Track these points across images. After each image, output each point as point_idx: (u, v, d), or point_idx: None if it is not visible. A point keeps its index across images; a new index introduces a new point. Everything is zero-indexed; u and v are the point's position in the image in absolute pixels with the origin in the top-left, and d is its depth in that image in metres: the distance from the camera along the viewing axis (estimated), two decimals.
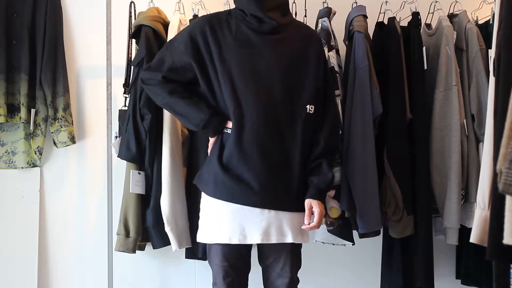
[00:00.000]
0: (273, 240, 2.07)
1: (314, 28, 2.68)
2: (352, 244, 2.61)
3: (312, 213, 2.09)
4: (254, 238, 2.06)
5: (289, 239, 2.08)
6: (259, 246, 2.17)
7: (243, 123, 2.05)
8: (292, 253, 2.15)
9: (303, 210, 2.10)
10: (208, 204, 2.13)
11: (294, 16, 2.79)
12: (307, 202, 2.09)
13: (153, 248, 2.73)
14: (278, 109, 2.07)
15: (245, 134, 2.05)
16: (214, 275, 2.17)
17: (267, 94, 2.06)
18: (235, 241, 2.07)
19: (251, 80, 2.07)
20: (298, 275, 2.20)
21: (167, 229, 2.56)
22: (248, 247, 2.15)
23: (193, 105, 2.13)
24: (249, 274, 2.23)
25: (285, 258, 2.14)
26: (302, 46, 2.16)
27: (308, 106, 2.11)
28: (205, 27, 2.13)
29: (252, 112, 2.05)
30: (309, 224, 2.07)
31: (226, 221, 2.07)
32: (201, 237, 2.17)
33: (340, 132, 2.52)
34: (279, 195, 2.07)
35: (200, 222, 2.19)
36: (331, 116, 2.19)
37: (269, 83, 2.07)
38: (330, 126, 2.18)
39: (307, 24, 2.81)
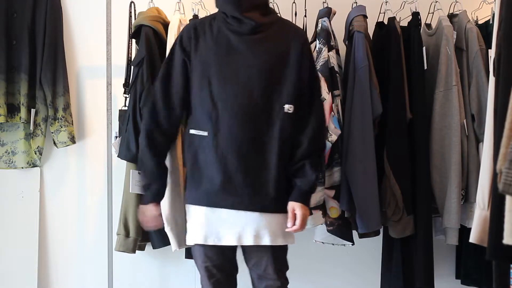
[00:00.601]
0: (248, 242, 2.05)
1: (314, 28, 2.68)
2: (352, 244, 2.61)
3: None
4: (228, 239, 2.06)
5: (265, 241, 2.05)
6: (242, 247, 2.15)
7: (219, 126, 2.05)
8: (274, 256, 2.11)
9: (282, 211, 2.07)
10: (189, 209, 2.15)
11: (294, 16, 2.80)
12: (290, 205, 2.07)
13: (153, 248, 2.73)
14: (256, 110, 2.05)
15: (221, 137, 2.05)
16: (200, 277, 2.18)
17: (244, 96, 2.05)
18: (210, 242, 2.07)
19: (229, 82, 2.07)
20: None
21: (167, 229, 2.55)
22: (233, 248, 2.14)
23: (155, 171, 2.15)
24: (244, 275, 2.22)
25: (266, 260, 2.11)
26: (284, 45, 2.12)
27: (286, 106, 2.07)
28: (190, 32, 2.16)
29: (229, 114, 2.04)
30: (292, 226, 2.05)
31: (203, 223, 2.09)
32: (187, 241, 2.20)
33: (340, 132, 2.52)
34: (255, 196, 2.05)
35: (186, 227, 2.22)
36: (315, 116, 2.14)
37: (248, 84, 2.06)
38: (314, 127, 2.12)
39: (306, 24, 2.81)
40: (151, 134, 2.13)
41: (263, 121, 2.06)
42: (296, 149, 2.10)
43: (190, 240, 2.15)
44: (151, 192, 2.15)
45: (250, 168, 2.05)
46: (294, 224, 2.05)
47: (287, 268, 2.19)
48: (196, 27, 2.16)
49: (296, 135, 2.11)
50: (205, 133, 2.07)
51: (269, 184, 2.06)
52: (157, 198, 2.16)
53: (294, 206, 2.06)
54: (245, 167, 2.04)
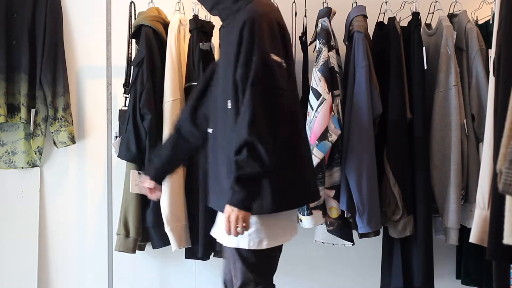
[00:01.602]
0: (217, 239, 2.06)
1: (314, 28, 2.67)
2: (352, 244, 2.61)
3: None
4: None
5: (217, 238, 2.04)
6: None
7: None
8: (235, 258, 1.96)
9: None
10: None
11: (294, 16, 2.80)
12: None
13: (153, 248, 2.73)
14: (216, 108, 2.00)
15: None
16: None
17: (214, 94, 2.05)
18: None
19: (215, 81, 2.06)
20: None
21: (167, 229, 2.56)
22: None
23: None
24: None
25: (228, 262, 2.03)
26: (232, 35, 1.89)
27: (228, 102, 1.89)
28: None
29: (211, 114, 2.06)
30: None
31: None
32: None
33: (340, 132, 2.52)
34: (215, 195, 2.02)
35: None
36: (241, 111, 1.83)
37: (216, 82, 2.04)
38: (238, 122, 1.83)
39: (306, 24, 2.81)
40: (181, 123, 2.14)
41: (220, 119, 1.97)
42: None
43: None
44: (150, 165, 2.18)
45: (212, 168, 2.03)
46: None
47: (248, 277, 1.95)
48: None
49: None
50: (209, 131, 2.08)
51: (218, 183, 1.98)
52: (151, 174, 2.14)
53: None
54: (211, 167, 2.03)
